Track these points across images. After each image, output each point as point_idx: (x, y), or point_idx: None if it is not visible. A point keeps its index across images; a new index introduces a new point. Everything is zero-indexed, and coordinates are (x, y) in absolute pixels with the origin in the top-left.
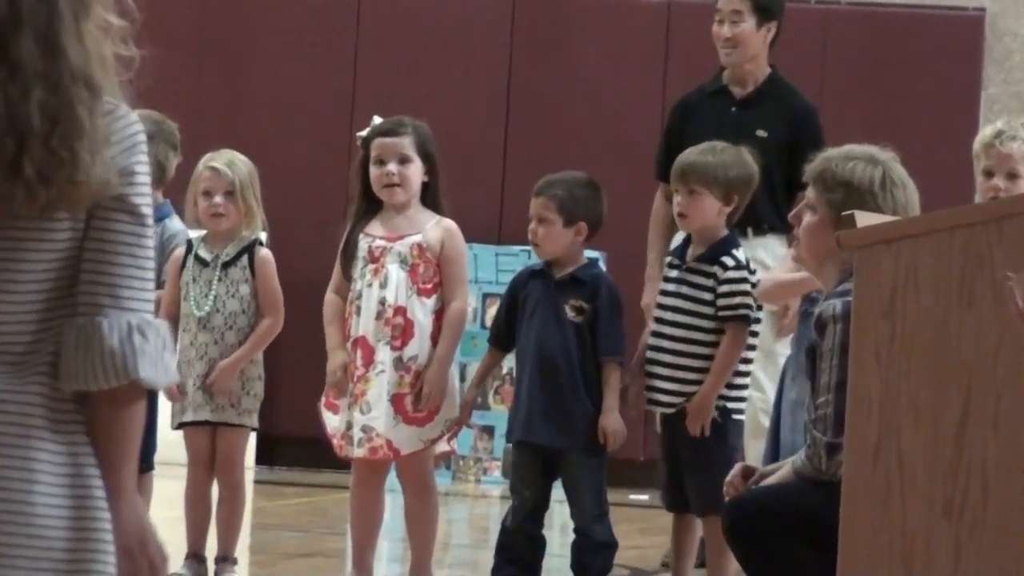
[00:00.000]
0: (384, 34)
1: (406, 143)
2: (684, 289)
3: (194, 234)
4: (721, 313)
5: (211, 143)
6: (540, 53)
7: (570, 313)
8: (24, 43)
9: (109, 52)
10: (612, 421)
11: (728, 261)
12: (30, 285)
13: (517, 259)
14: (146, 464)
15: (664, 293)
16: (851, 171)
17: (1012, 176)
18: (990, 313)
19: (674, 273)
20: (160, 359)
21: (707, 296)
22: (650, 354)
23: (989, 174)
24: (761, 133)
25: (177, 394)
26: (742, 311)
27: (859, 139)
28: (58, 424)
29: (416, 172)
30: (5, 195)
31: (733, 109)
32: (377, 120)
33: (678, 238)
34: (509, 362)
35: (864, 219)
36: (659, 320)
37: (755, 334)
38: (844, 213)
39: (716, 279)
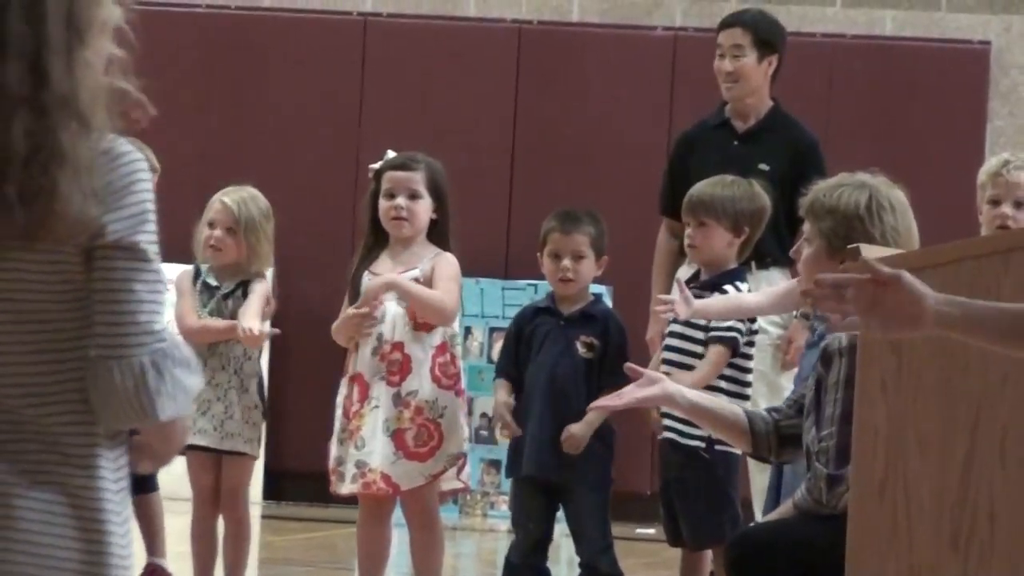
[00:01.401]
0: (390, 67)
1: (417, 178)
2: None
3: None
4: (709, 333)
5: (217, 176)
6: (546, 86)
7: (581, 349)
8: (10, 68)
9: (104, 83)
10: (581, 428)
11: (729, 290)
12: (17, 325)
13: (524, 293)
14: (150, 485)
15: (672, 321)
16: (837, 198)
17: (1019, 204)
18: None
19: None
20: (178, 388)
21: (703, 322)
22: None
23: (996, 203)
24: (763, 167)
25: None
26: (730, 334)
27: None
28: (81, 461)
29: (424, 208)
30: None
31: (735, 143)
32: (391, 154)
33: (683, 272)
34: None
35: (870, 252)
36: (668, 348)
37: (748, 370)
38: (849, 247)
39: None
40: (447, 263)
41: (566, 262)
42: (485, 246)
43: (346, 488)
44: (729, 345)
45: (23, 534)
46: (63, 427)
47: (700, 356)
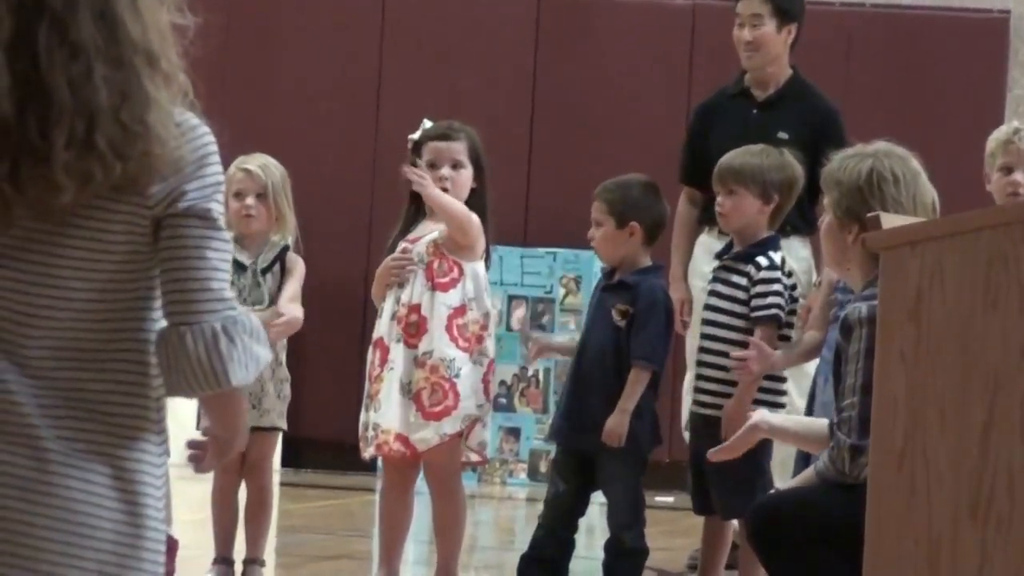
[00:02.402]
0: (409, 36)
1: (459, 148)
2: (720, 287)
3: None
4: (753, 314)
5: (236, 146)
6: (565, 55)
7: (616, 317)
8: (83, 23)
9: (166, 22)
10: (615, 422)
11: (762, 261)
12: (84, 292)
13: (543, 261)
14: None
15: (708, 294)
16: (844, 170)
17: None
18: (1016, 315)
19: (713, 273)
20: (249, 357)
21: (741, 295)
22: (699, 356)
23: (1007, 170)
24: (783, 135)
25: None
26: (772, 311)
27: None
28: (126, 432)
29: (467, 178)
30: (82, 173)
31: (754, 112)
32: (427, 123)
33: (705, 240)
34: (536, 364)
35: (889, 220)
36: (703, 321)
37: (788, 339)
38: (869, 215)
39: (750, 279)
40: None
41: (591, 231)
42: (504, 214)
43: (368, 452)
44: (773, 323)
45: (61, 500)
46: (112, 396)
47: (720, 325)
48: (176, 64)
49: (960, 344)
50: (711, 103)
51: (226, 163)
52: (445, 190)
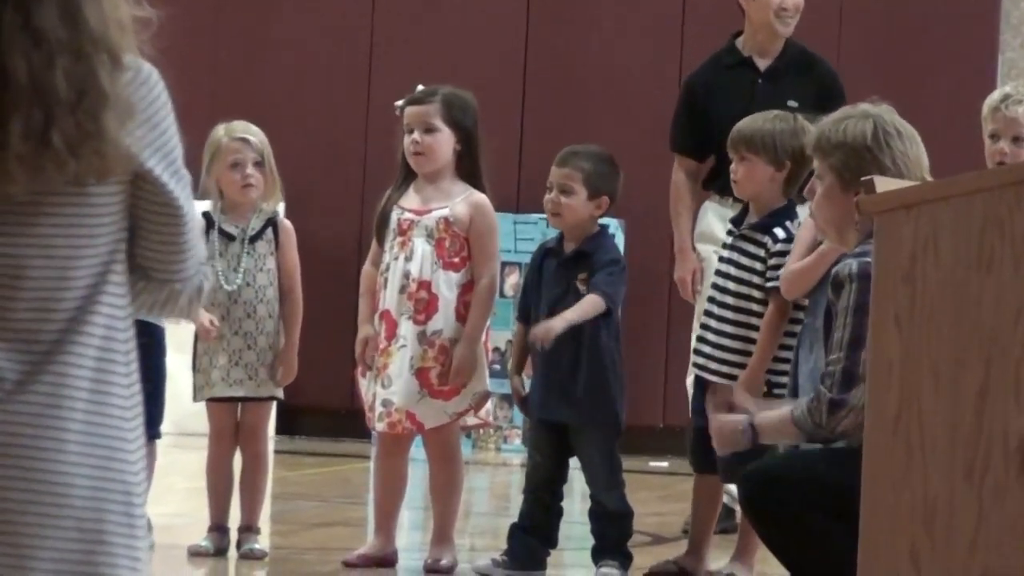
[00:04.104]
0: (400, 4)
1: (431, 111)
2: (736, 256)
3: (202, 206)
4: (767, 284)
5: (228, 114)
6: (557, 23)
7: (581, 288)
8: (47, 11)
9: (127, 15)
10: (545, 328)
11: (779, 233)
12: (69, 249)
13: (536, 228)
14: (152, 432)
15: (720, 260)
16: (843, 131)
17: (1017, 140)
18: (1010, 278)
19: (729, 240)
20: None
21: (758, 266)
22: (703, 319)
23: (995, 137)
24: (793, 103)
25: (211, 328)
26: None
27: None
28: (97, 395)
29: (442, 142)
30: (35, 166)
31: (760, 81)
32: (420, 88)
33: (714, 208)
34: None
35: (884, 184)
36: (714, 286)
37: (802, 307)
38: (863, 179)
39: (767, 250)
40: (485, 218)
41: (552, 195)
42: (496, 180)
43: (377, 426)
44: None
45: (35, 463)
46: (88, 351)
47: (736, 295)
48: (137, 57)
49: (955, 308)
50: (707, 75)
51: (213, 128)
52: (419, 154)
